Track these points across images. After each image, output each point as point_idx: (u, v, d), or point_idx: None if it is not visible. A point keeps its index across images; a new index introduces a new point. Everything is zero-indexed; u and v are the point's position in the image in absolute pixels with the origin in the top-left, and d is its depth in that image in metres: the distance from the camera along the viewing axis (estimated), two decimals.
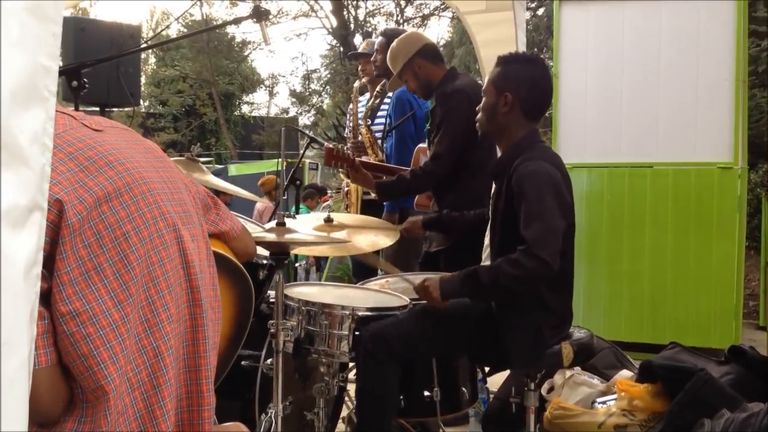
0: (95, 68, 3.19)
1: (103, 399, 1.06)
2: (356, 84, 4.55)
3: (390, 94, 4.21)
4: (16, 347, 0.78)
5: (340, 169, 3.43)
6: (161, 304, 1.18)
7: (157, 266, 1.18)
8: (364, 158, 4.02)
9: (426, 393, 2.67)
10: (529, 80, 2.53)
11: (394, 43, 3.52)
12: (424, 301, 2.52)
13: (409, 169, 3.56)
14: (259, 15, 2.56)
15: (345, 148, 3.52)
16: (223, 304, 1.42)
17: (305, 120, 25.64)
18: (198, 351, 1.27)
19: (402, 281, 3.06)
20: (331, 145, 3.37)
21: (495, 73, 2.59)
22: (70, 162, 1.12)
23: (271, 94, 27.91)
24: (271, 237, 2.20)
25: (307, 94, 25.49)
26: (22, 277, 0.80)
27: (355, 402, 2.64)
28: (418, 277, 3.21)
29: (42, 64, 0.90)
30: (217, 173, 12.17)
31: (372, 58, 4.21)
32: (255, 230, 2.41)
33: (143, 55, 23.54)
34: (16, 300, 0.78)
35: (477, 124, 2.66)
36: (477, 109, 2.66)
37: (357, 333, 2.51)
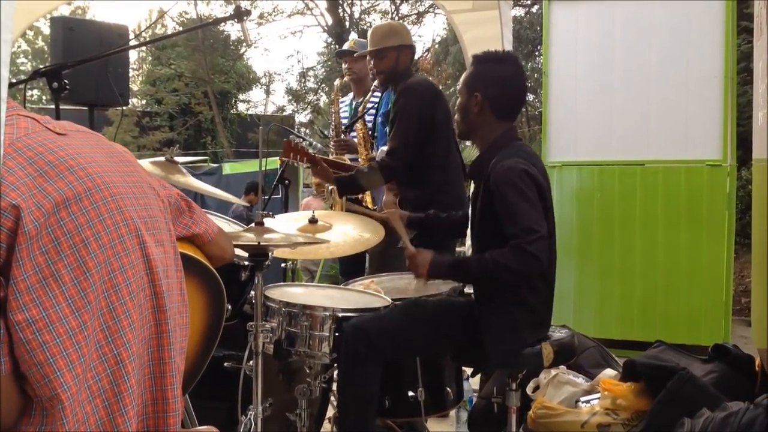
0: (84, 68, 3.18)
1: (58, 407, 1.04)
2: (337, 82, 4.55)
3: (377, 93, 4.20)
4: None
5: (299, 163, 3.48)
6: (123, 311, 1.16)
7: (119, 273, 1.17)
8: (347, 157, 4.08)
9: (411, 393, 2.67)
10: (499, 80, 2.51)
11: (393, 23, 3.71)
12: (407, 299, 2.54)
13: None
14: (240, 15, 2.55)
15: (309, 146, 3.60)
16: (195, 306, 1.41)
17: (302, 118, 25.60)
18: (163, 357, 1.26)
19: (387, 281, 3.05)
20: (288, 138, 3.44)
21: (467, 73, 2.59)
22: (29, 167, 1.10)
23: (268, 92, 27.80)
24: (249, 237, 2.19)
25: (304, 92, 25.43)
26: None
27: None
28: (404, 278, 3.21)
29: None
30: (211, 172, 12.12)
31: None
32: (236, 231, 2.41)
33: (140, 54, 23.51)
34: None
35: (455, 125, 2.67)
36: (455, 110, 2.67)
37: (338, 334, 2.51)
